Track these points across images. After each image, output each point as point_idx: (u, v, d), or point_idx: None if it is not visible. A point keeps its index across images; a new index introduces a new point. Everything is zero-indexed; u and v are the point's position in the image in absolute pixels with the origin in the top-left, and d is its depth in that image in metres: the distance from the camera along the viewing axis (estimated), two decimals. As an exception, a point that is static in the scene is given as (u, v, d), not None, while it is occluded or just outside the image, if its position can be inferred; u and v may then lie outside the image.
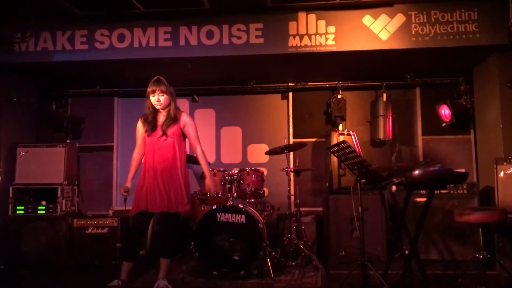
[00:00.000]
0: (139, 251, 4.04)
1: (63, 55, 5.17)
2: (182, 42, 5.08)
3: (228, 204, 4.49)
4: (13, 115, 5.60)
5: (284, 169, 5.09)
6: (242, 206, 4.43)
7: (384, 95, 5.85)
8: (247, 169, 4.81)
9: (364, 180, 3.69)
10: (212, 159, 6.17)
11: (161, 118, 3.98)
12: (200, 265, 4.46)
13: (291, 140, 6.15)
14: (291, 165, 5.48)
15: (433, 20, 4.83)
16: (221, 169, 4.85)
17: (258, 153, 6.21)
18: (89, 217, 5.36)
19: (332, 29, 4.94)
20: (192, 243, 4.39)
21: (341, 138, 5.43)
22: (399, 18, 4.87)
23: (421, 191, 4.88)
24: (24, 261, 5.06)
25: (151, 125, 3.93)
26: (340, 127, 5.89)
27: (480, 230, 4.04)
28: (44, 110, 6.14)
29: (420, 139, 6.04)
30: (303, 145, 5.24)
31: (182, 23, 5.07)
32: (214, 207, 4.47)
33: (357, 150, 4.41)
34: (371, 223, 4.78)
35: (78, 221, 5.26)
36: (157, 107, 3.94)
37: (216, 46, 5.04)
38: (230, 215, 4.38)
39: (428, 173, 3.35)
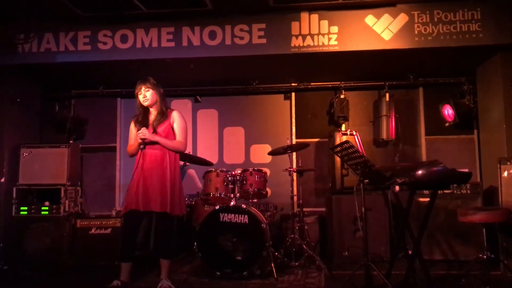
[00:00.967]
0: (135, 250, 4.02)
1: (66, 56, 5.18)
2: (184, 43, 5.09)
3: (231, 204, 4.49)
4: (16, 116, 5.62)
5: (287, 169, 5.09)
6: (245, 206, 4.43)
7: (387, 95, 5.84)
8: (250, 169, 4.80)
9: (367, 180, 3.68)
10: (215, 160, 6.17)
11: (152, 116, 3.97)
12: (203, 265, 4.46)
13: (294, 141, 6.14)
14: (294, 166, 5.46)
15: (436, 19, 4.83)
16: (224, 169, 4.84)
17: (261, 154, 6.21)
18: (92, 218, 5.37)
19: (334, 29, 4.94)
20: (195, 243, 4.39)
21: (344, 138, 5.42)
22: (402, 18, 4.87)
23: (425, 191, 4.87)
24: (28, 262, 5.07)
25: (143, 124, 3.90)
26: (343, 127, 5.89)
27: (484, 230, 4.02)
28: (47, 111, 6.16)
29: (423, 139, 6.03)
30: (306, 145, 5.24)
31: (185, 23, 5.08)
32: (217, 207, 4.47)
33: (360, 150, 4.40)
34: (374, 223, 4.78)
35: (81, 221, 5.27)
36: (145, 103, 3.92)
37: (219, 47, 5.05)
38: (233, 215, 4.37)
39: (431, 173, 3.35)
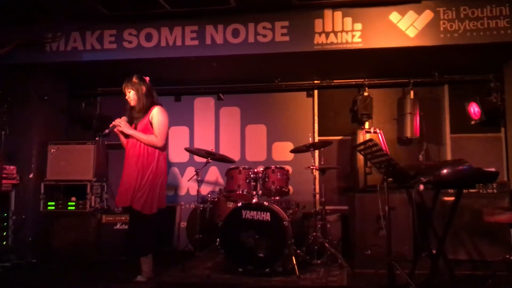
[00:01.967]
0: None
1: (92, 55, 5.30)
2: (208, 41, 5.14)
3: (253, 202, 4.51)
4: (44, 113, 5.76)
5: (309, 167, 5.08)
6: (267, 203, 4.44)
7: (412, 92, 5.78)
8: (272, 167, 4.81)
9: (391, 179, 3.65)
10: (237, 157, 6.21)
11: (135, 113, 4.05)
12: (225, 261, 4.51)
13: (316, 138, 6.13)
14: (316, 163, 5.47)
15: (462, 16, 4.75)
16: (246, 166, 4.87)
17: (282, 151, 6.22)
18: (117, 213, 5.46)
19: (358, 26, 4.91)
20: (217, 239, 4.44)
21: (368, 136, 5.38)
22: (427, 15, 4.81)
23: (449, 190, 4.81)
24: (54, 256, 5.20)
25: (129, 122, 4.01)
26: (367, 125, 5.85)
27: (511, 230, 3.95)
28: (74, 108, 6.29)
29: (448, 137, 5.94)
30: (328, 143, 5.22)
31: (208, 22, 5.13)
32: (240, 204, 4.50)
33: (384, 149, 4.36)
34: (398, 222, 4.73)
35: (106, 217, 5.38)
36: (131, 104, 4.03)
37: (242, 45, 5.08)
38: (255, 212, 4.39)
39: (456, 172, 3.30)
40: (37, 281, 4.41)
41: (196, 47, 5.15)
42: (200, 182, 5.17)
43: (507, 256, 3.93)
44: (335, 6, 4.94)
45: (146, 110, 3.98)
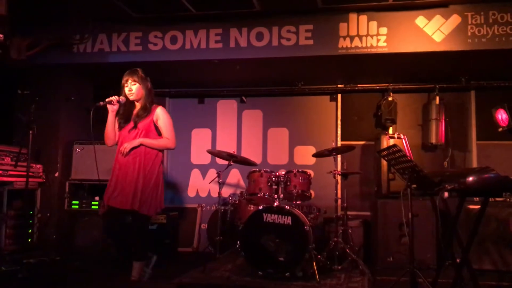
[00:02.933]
0: (128, 247, 3.80)
1: (118, 56, 5.39)
2: (232, 44, 5.17)
3: (274, 205, 4.52)
4: (70, 114, 5.88)
5: (331, 172, 5.07)
6: (288, 207, 4.45)
7: (437, 98, 5.72)
8: (294, 170, 4.81)
9: (414, 185, 3.62)
10: (258, 160, 6.25)
11: (135, 110, 3.84)
12: (245, 264, 4.52)
13: (339, 143, 6.13)
14: (339, 168, 5.45)
15: (491, 20, 4.67)
16: (268, 170, 4.88)
17: (305, 155, 6.23)
18: (140, 214, 5.53)
19: (384, 30, 4.88)
20: (238, 242, 4.46)
21: (392, 141, 5.34)
22: (455, 19, 4.75)
23: (475, 198, 4.73)
24: (78, 253, 5.31)
25: (124, 118, 3.79)
26: (390, 130, 5.81)
27: (539, 241, 3.87)
28: (99, 109, 6.37)
29: (474, 144, 5.85)
30: (351, 148, 5.19)
31: (233, 25, 5.16)
32: (261, 207, 4.52)
33: (408, 154, 4.32)
34: (421, 229, 4.68)
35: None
36: (130, 97, 3.79)
37: (266, 48, 5.10)
38: (276, 216, 4.40)
39: (483, 180, 3.25)
40: (62, 277, 4.50)
41: (220, 49, 5.19)
42: (221, 184, 5.20)
43: (535, 267, 3.84)
44: (360, 10, 4.92)
45: (150, 109, 3.80)
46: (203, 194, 6.51)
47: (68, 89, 5.82)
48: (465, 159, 5.85)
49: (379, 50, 4.89)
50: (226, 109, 6.61)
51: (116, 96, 3.77)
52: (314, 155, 5.35)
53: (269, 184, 4.76)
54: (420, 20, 4.81)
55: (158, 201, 3.80)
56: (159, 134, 3.84)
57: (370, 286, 4.19)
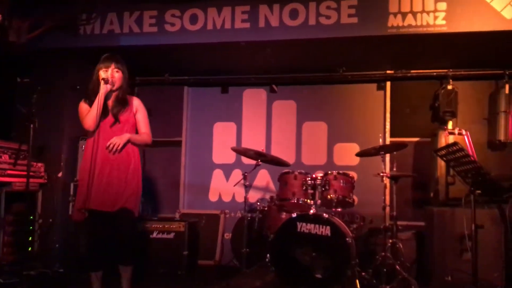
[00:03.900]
0: (106, 258, 3.88)
1: (130, 39, 5.46)
2: (261, 24, 5.17)
3: (310, 213, 4.52)
4: (76, 105, 5.95)
5: (378, 174, 5.03)
6: (327, 216, 4.44)
7: (507, 86, 5.62)
8: (334, 172, 4.81)
9: (479, 191, 3.57)
10: (291, 160, 6.24)
11: (110, 102, 3.87)
12: (276, 281, 4.54)
13: (388, 140, 6.09)
14: (387, 170, 5.40)
15: None
16: (303, 171, 4.89)
17: (346, 154, 6.21)
18: (154, 220, 5.63)
19: (442, 5, 4.81)
20: (267, 255, 4.48)
21: (451, 138, 5.27)
22: (530, -9, 4.64)
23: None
24: (84, 266, 5.40)
25: (102, 109, 3.79)
26: (450, 125, 5.74)
27: None
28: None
29: (553, 142, 5.71)
30: (403, 145, 5.14)
31: (262, 1, 5.17)
32: (294, 215, 4.53)
33: (471, 154, 4.26)
34: (486, 243, 4.60)
35: (141, 224, 5.54)
36: (113, 86, 3.82)
37: (301, 28, 5.08)
38: (312, 225, 4.40)
39: None
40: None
41: (248, 30, 5.20)
42: (248, 187, 5.23)
43: None
44: (414, -18, 4.87)
45: (126, 101, 3.91)
46: (227, 199, 6.56)
47: (73, 77, 5.90)
48: (542, 160, 5.72)
49: (437, 30, 4.82)
50: (253, 99, 6.64)
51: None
52: (357, 154, 5.32)
53: (304, 188, 4.76)
54: (487, -7, 4.73)
55: (139, 201, 3.94)
56: None
57: (424, 310, 4.15)
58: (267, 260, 4.49)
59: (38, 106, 4.79)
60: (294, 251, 4.38)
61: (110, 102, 3.87)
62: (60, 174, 5.76)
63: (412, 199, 6.02)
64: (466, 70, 5.92)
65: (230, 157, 6.56)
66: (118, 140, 3.75)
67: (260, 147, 5.52)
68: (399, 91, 6.21)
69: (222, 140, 6.63)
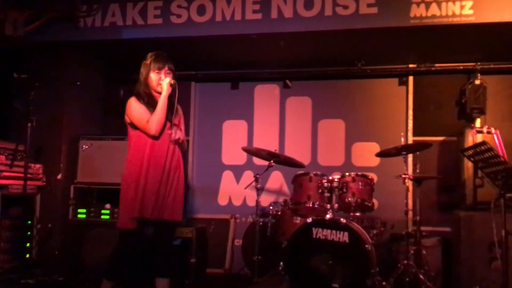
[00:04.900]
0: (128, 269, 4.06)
1: (134, 32, 5.49)
2: (274, 14, 5.18)
3: (327, 218, 4.52)
4: (76, 102, 6.03)
5: (400, 176, 5.01)
6: (344, 221, 4.44)
7: (541, 81, 5.59)
8: (352, 174, 4.80)
9: (510, 194, 3.54)
10: (306, 160, 6.24)
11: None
12: (290, 291, 4.54)
13: (411, 139, 6.08)
14: (410, 171, 5.37)
15: None
16: (319, 173, 4.89)
17: (365, 154, 6.20)
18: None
19: (470, -6, 4.80)
20: (281, 263, 4.48)
21: (480, 137, 5.23)
22: None
23: None
24: (86, 273, 5.44)
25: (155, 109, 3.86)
26: (478, 123, 5.70)
27: None
28: (111, 96, 6.54)
29: None
30: (426, 145, 5.12)
31: (275, -11, 5.19)
32: (310, 220, 4.53)
33: (501, 154, 4.24)
34: (518, 251, 4.57)
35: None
36: (159, 89, 3.89)
37: (316, 19, 5.09)
38: (329, 231, 4.41)
39: None
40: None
41: (259, 22, 5.21)
42: (259, 190, 5.23)
43: None
44: (439, -32, 4.86)
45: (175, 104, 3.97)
46: (237, 202, 6.57)
47: (73, 72, 5.97)
48: None
49: (464, 20, 4.81)
50: (265, 96, 6.64)
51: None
52: (377, 155, 5.31)
53: (320, 191, 4.77)
54: (519, -20, 4.70)
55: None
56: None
57: (451, 323, 4.13)
58: (280, 268, 4.51)
59: (36, 104, 4.82)
60: (310, 259, 4.38)
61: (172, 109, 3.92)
62: (59, 176, 5.80)
63: (437, 203, 6.00)
64: (495, 64, 5.90)
65: (240, 158, 6.57)
66: (180, 134, 3.90)
67: (273, 147, 5.51)
68: (422, 87, 6.19)
69: (232, 139, 6.63)
